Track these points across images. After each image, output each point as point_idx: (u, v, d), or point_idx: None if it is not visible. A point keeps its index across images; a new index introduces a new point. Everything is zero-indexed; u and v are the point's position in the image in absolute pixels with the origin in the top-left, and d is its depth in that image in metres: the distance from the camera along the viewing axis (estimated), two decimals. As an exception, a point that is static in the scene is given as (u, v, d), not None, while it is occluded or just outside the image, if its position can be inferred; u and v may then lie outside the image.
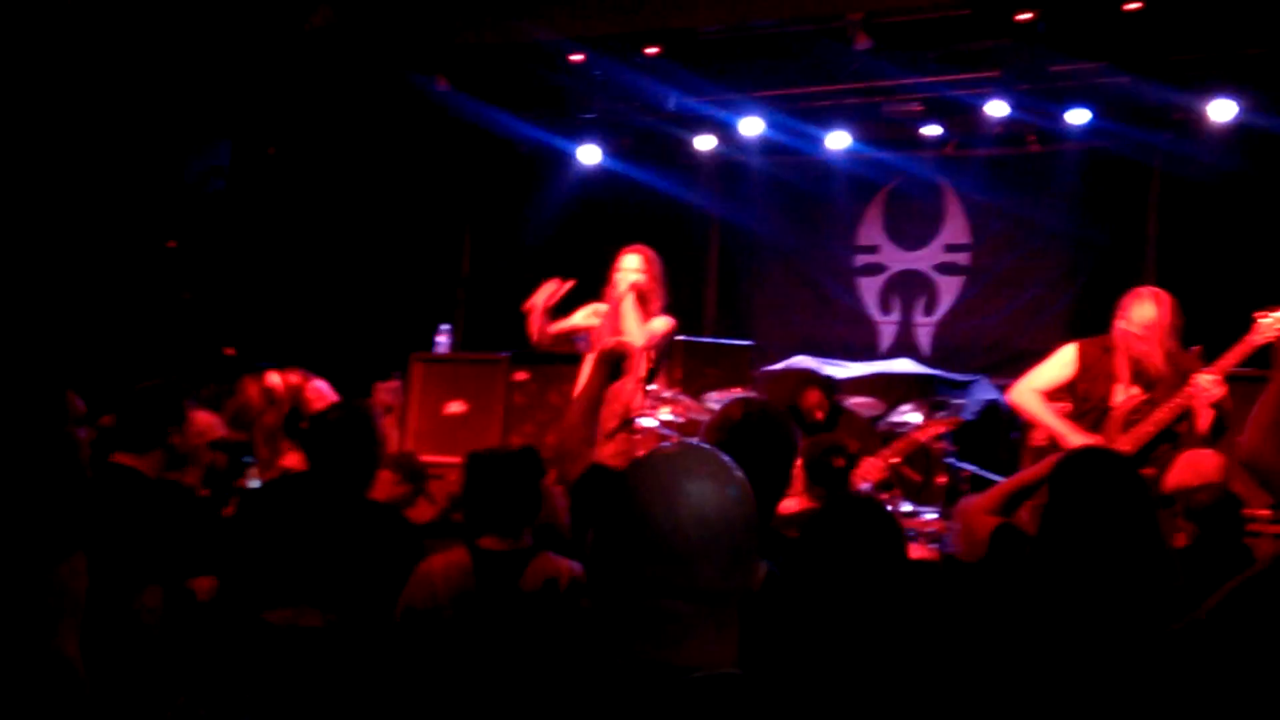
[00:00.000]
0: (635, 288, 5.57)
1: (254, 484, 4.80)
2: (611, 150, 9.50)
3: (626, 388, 5.52)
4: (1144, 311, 4.88)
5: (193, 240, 7.89)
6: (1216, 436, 4.83)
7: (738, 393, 6.78)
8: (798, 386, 6.00)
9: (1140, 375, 4.94)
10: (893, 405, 6.95)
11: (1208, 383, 4.71)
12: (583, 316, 5.75)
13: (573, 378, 5.87)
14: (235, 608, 3.03)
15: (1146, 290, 5.00)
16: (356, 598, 3.12)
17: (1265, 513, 5.27)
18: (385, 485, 4.94)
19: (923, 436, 5.72)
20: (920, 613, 2.65)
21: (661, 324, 5.61)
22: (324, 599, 3.06)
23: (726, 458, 1.67)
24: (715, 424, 2.80)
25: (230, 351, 7.38)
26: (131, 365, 6.79)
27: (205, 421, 4.57)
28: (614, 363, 3.12)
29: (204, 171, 7.92)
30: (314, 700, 2.89)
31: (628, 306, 5.57)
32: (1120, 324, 4.95)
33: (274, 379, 6.24)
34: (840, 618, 2.56)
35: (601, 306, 5.66)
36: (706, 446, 1.72)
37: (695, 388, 7.44)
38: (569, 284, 5.61)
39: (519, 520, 3.33)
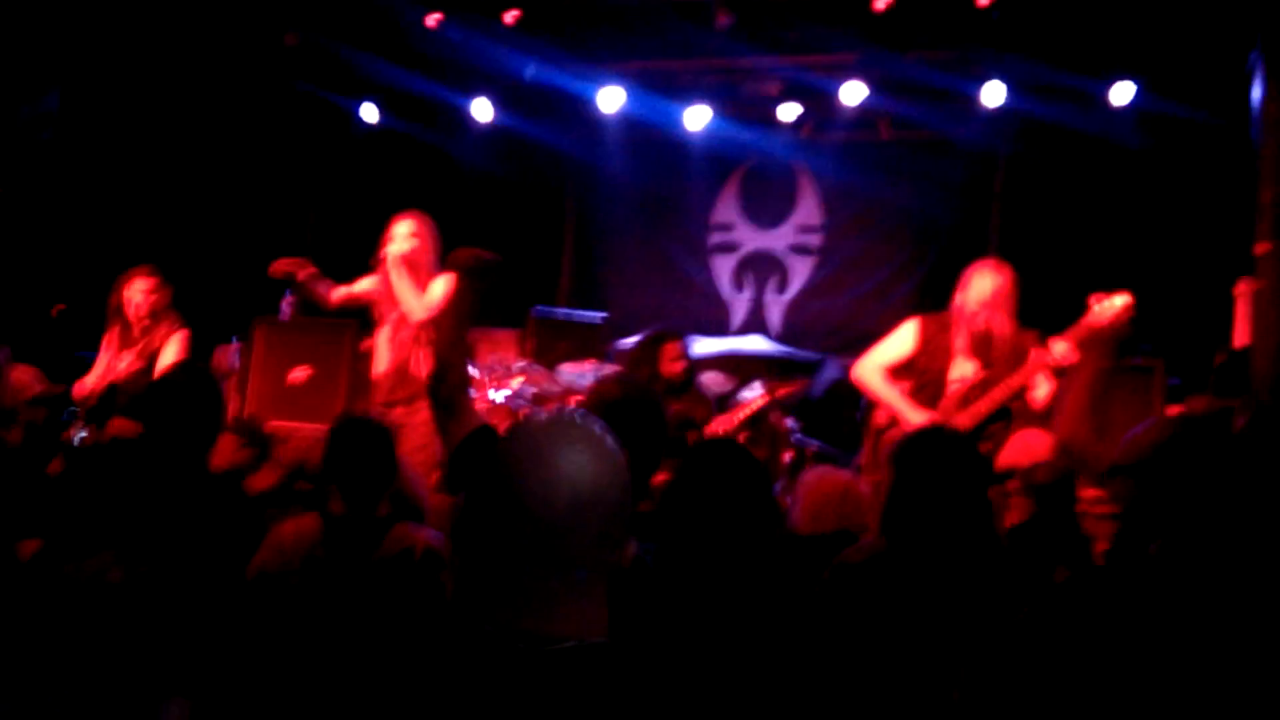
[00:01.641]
0: (404, 257, 5.50)
1: (80, 435, 4.57)
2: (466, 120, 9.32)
3: (418, 357, 5.53)
4: (984, 283, 5.00)
5: (18, 190, 7.48)
6: (1050, 415, 4.99)
7: (591, 365, 6.75)
8: (656, 340, 6.01)
9: (979, 350, 5.07)
10: (741, 383, 7.03)
11: (1062, 351, 4.83)
12: (367, 285, 5.71)
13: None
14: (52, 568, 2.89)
15: (987, 263, 5.14)
16: (180, 559, 3.00)
17: (1092, 493, 5.49)
18: (228, 451, 4.77)
19: (762, 402, 5.81)
20: (780, 578, 2.66)
21: (439, 285, 5.53)
22: (139, 557, 2.93)
23: (600, 424, 1.64)
24: (591, 401, 2.78)
25: (59, 308, 7.01)
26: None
27: (22, 377, 4.34)
28: (479, 271, 2.98)
29: (33, 119, 7.50)
30: (115, 655, 2.78)
31: (396, 277, 5.52)
32: (959, 297, 5.07)
33: None
34: (708, 574, 2.54)
35: (367, 283, 5.66)
36: (581, 413, 1.67)
37: (547, 359, 7.40)
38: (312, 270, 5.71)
39: (376, 488, 3.27)
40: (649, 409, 2.77)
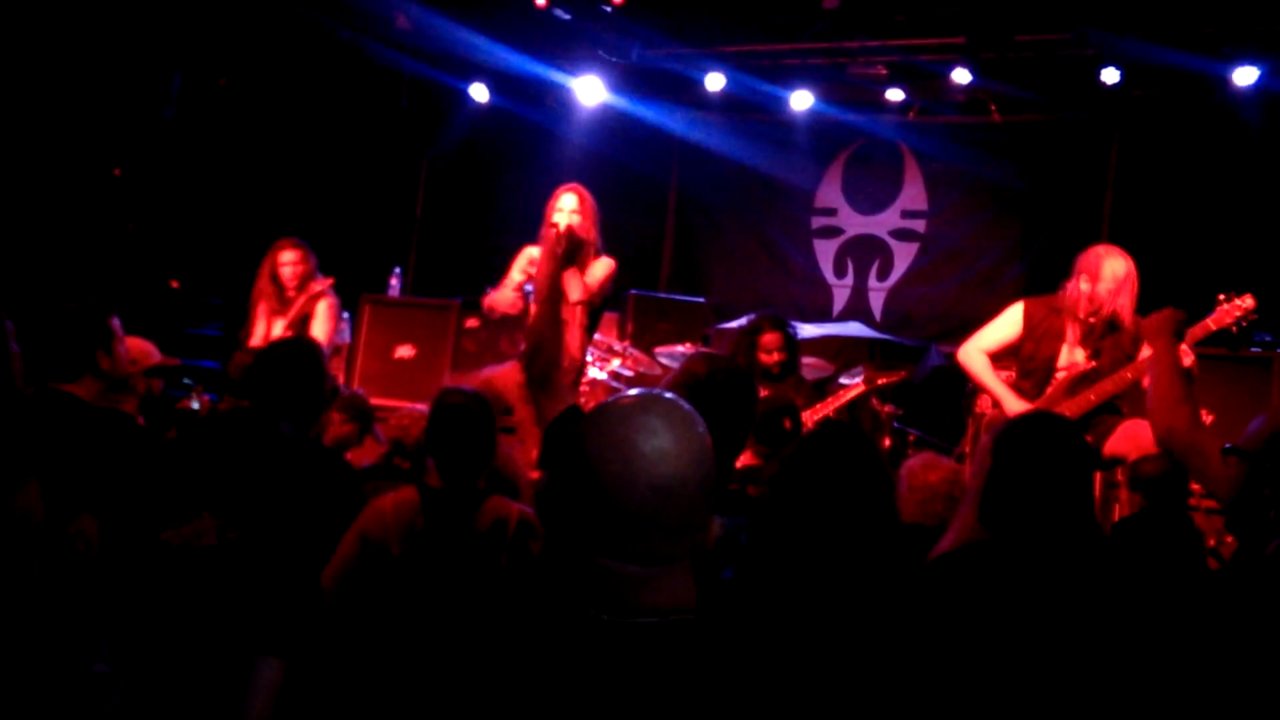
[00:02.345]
0: (571, 230, 5.37)
1: (195, 406, 4.69)
2: (572, 100, 9.37)
3: (569, 338, 5.38)
4: (1115, 266, 4.85)
5: (140, 169, 7.71)
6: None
7: (689, 348, 6.75)
8: (754, 329, 5.93)
9: (1090, 337, 4.94)
10: (841, 369, 6.96)
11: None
12: (521, 267, 5.48)
13: (523, 326, 5.72)
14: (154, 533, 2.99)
15: (1113, 247, 4.98)
16: (279, 525, 3.08)
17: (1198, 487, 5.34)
18: (332, 424, 4.87)
19: (861, 389, 5.74)
20: (887, 566, 2.61)
21: (602, 269, 5.35)
22: (235, 523, 3.02)
23: (688, 408, 1.60)
24: (678, 379, 2.75)
25: (176, 284, 7.24)
26: (73, 295, 6.64)
27: (140, 348, 4.45)
28: (568, 252, 3.03)
29: (154, 100, 7.73)
30: (217, 618, 2.87)
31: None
32: (1083, 282, 4.90)
33: None
34: (815, 556, 2.50)
35: (535, 251, 5.48)
36: (668, 396, 1.63)
37: (647, 341, 7.42)
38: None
39: (474, 463, 3.34)
40: (736, 388, 2.74)
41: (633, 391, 1.68)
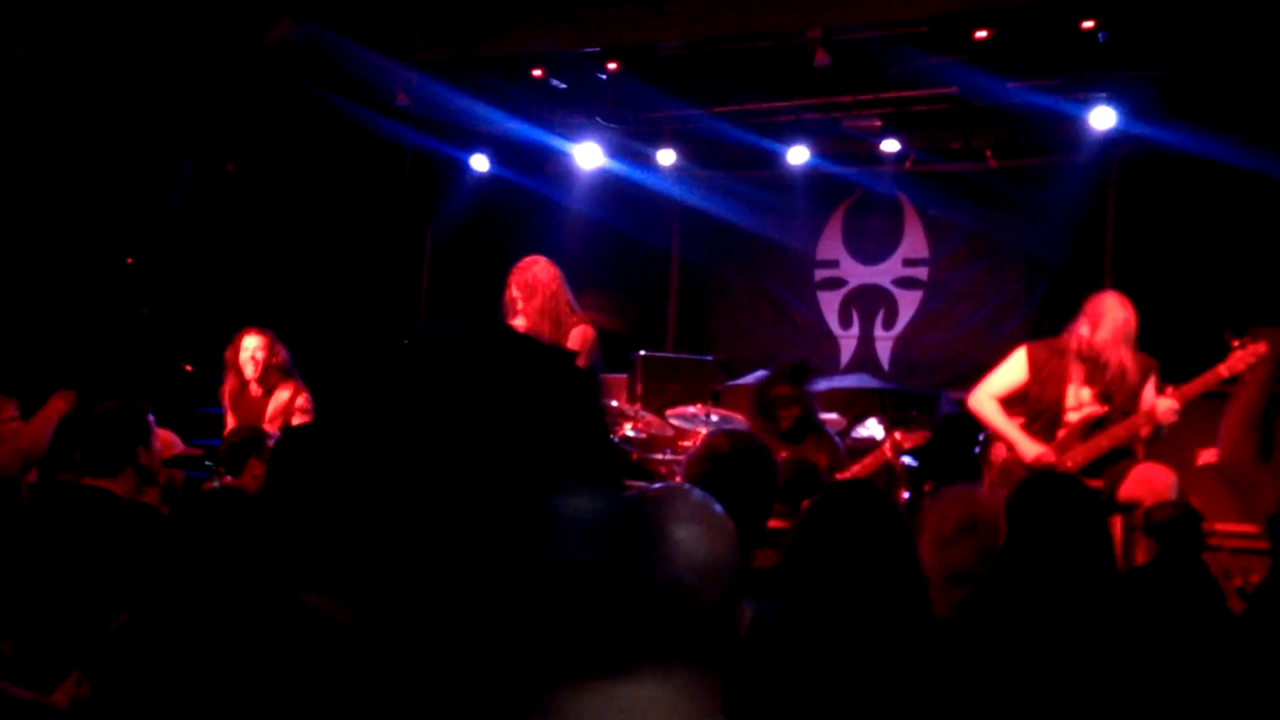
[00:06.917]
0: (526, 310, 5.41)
1: (217, 485, 4.70)
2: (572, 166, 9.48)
3: None
4: (1116, 317, 4.97)
5: (151, 256, 7.81)
6: (1154, 440, 5.00)
7: (701, 409, 6.78)
8: (772, 382, 5.92)
9: (1095, 376, 5.02)
10: (854, 420, 6.98)
11: (1164, 410, 4.83)
12: None
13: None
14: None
15: (1114, 296, 5.11)
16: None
17: (1226, 526, 5.36)
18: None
19: (891, 452, 5.76)
20: (916, 628, 2.57)
21: (573, 342, 5.38)
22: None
23: (714, 503, 1.62)
24: (701, 455, 2.80)
25: (189, 368, 7.30)
26: (87, 380, 6.70)
27: (164, 439, 4.48)
28: None
29: (162, 187, 7.84)
30: None
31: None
32: (1083, 327, 5.03)
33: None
34: (841, 631, 2.47)
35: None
36: (691, 490, 1.66)
37: (656, 403, 7.45)
38: None
39: None
40: (759, 462, 2.80)
41: (656, 485, 1.72)
